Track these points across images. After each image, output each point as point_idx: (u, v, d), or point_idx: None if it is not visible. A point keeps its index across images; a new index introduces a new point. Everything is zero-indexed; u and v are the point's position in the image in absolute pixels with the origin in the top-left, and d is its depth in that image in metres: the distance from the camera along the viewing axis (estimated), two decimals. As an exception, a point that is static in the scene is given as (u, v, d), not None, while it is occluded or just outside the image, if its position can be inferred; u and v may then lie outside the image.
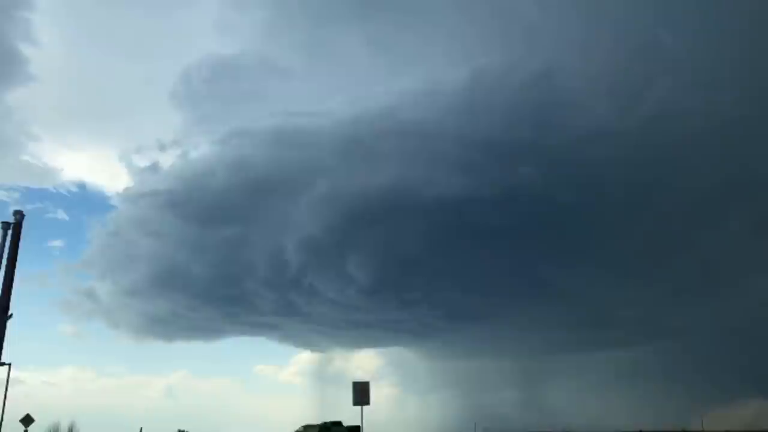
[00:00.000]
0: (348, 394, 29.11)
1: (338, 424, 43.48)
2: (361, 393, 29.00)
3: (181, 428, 55.34)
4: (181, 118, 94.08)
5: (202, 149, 72.98)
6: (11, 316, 32.55)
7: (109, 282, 69.92)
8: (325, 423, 44.02)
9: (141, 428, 46.98)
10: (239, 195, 63.69)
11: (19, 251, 33.59)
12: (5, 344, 31.80)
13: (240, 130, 66.99)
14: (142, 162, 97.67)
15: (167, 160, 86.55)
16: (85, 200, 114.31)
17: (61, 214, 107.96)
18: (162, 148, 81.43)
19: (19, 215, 34.20)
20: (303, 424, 46.52)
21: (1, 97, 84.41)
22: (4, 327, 31.99)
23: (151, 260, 66.36)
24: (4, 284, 32.79)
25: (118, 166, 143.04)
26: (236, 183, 63.53)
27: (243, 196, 63.88)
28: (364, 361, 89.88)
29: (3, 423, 31.52)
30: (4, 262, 33.04)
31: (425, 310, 66.22)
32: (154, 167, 71.83)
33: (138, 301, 68.38)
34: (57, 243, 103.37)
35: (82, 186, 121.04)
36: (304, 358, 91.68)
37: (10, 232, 33.50)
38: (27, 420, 33.34)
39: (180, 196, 64.24)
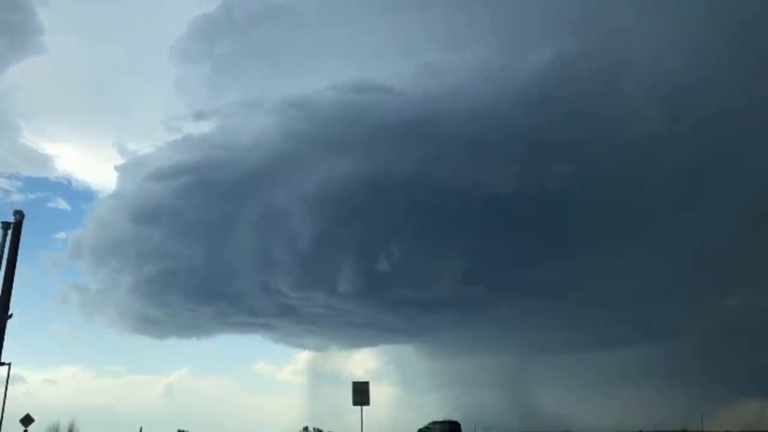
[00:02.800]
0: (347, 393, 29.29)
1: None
2: (360, 393, 29.09)
3: (181, 428, 55.49)
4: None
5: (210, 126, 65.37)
6: (11, 315, 32.61)
7: (98, 276, 65.56)
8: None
9: (141, 428, 47.00)
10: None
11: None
12: (5, 344, 31.93)
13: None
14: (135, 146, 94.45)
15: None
16: (77, 194, 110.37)
17: (62, 204, 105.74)
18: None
19: (19, 215, 34.36)
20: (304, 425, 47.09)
21: (9, 69, 76.72)
22: (4, 327, 32.02)
23: (145, 251, 62.03)
24: (4, 284, 32.84)
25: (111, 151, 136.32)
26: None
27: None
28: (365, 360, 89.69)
29: (3, 423, 31.55)
30: (4, 262, 33.14)
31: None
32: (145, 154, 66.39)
33: (129, 296, 63.69)
34: (61, 235, 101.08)
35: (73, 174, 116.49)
36: (304, 356, 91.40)
37: (10, 231, 33.60)
38: (27, 420, 33.34)
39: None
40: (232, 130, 62.32)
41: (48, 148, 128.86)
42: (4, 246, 33.17)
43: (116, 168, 67.24)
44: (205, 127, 65.47)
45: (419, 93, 56.80)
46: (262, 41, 66.22)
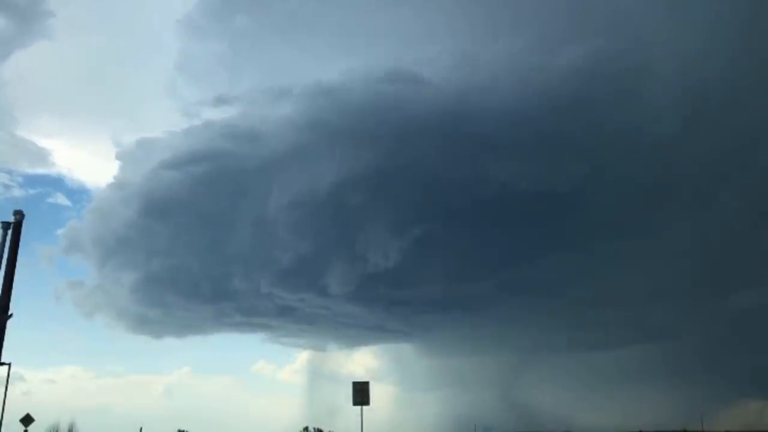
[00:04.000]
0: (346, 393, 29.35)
1: None
2: (360, 393, 29.11)
3: (181, 428, 55.57)
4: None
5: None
6: (11, 316, 32.67)
7: (93, 272, 64.21)
8: None
9: (141, 428, 47.05)
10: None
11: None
12: (5, 344, 32.00)
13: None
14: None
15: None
16: (72, 191, 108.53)
17: (62, 199, 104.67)
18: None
19: (19, 215, 34.47)
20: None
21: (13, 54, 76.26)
22: (4, 327, 32.08)
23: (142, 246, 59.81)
24: (4, 284, 32.90)
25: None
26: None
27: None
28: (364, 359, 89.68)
29: (3, 423, 31.60)
30: (4, 261, 33.21)
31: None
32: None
33: (124, 292, 61.58)
34: (62, 231, 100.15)
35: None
36: (304, 356, 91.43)
37: (10, 231, 33.68)
38: (27, 420, 33.40)
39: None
40: (245, 117, 59.57)
41: (46, 142, 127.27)
42: (4, 246, 33.27)
43: (117, 155, 65.28)
44: (211, 114, 63.02)
45: (452, 85, 54.53)
46: (285, 17, 63.03)
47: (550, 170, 55.07)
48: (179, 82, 73.19)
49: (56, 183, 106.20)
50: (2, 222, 33.70)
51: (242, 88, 61.92)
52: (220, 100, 60.80)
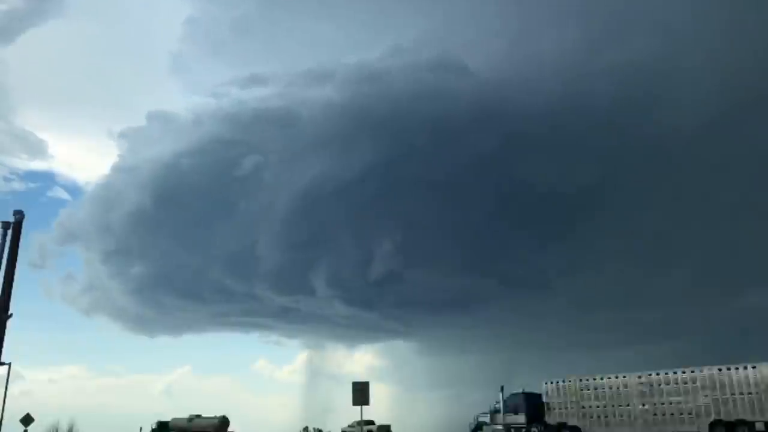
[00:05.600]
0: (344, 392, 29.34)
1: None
2: (360, 393, 29.08)
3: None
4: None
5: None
6: (11, 315, 32.72)
7: (89, 264, 60.39)
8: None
9: (141, 428, 47.09)
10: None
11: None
12: (5, 344, 32.04)
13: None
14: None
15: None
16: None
17: (62, 193, 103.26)
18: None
19: (19, 215, 34.52)
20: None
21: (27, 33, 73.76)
22: (4, 327, 32.11)
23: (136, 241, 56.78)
24: (4, 284, 32.94)
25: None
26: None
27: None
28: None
29: (3, 423, 31.63)
30: (4, 261, 33.23)
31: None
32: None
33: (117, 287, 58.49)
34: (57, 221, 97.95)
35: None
36: (304, 355, 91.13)
37: (9, 231, 33.70)
38: (27, 420, 33.41)
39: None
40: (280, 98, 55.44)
41: (44, 134, 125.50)
42: (4, 245, 33.28)
43: (120, 134, 61.15)
44: (238, 95, 57.97)
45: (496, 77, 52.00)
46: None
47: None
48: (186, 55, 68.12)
49: (54, 177, 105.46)
50: (2, 222, 33.76)
51: (271, 67, 58.36)
52: (250, 80, 56.45)
